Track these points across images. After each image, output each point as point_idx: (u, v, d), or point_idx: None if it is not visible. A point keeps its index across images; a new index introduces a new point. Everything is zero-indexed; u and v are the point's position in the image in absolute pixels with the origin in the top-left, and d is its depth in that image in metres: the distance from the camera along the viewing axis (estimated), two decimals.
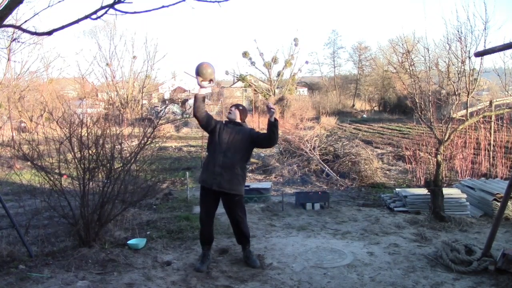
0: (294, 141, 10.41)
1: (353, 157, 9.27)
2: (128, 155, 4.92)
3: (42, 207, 4.83)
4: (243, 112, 4.34)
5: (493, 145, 9.27)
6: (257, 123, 21.82)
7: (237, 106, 4.36)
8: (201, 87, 4.04)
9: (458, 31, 5.95)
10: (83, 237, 4.44)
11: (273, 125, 3.93)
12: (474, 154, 9.48)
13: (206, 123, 4.11)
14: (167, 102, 33.83)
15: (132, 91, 26.98)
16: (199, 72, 4.01)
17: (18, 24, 3.48)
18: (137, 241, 4.62)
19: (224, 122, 4.25)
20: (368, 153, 9.76)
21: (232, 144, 4.04)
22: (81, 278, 3.74)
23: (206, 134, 4.30)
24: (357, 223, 5.76)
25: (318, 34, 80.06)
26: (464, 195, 6.34)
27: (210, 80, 4.04)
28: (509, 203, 5.52)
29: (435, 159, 6.14)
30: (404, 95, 27.53)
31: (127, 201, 4.86)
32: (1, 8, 2.80)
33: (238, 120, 4.25)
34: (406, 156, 9.95)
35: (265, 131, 4.10)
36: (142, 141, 4.83)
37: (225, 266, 4.13)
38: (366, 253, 4.50)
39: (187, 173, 8.17)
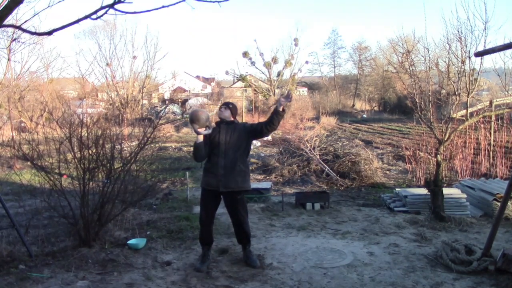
0: (294, 141, 10.42)
1: (353, 157, 9.26)
2: (128, 155, 4.93)
3: (42, 207, 4.82)
4: (234, 109, 4.33)
5: (493, 145, 9.27)
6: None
7: (227, 104, 4.33)
8: (199, 134, 4.04)
9: (458, 31, 5.94)
10: (83, 237, 4.44)
11: (278, 113, 3.91)
12: (474, 154, 9.48)
13: (208, 155, 4.16)
14: (167, 102, 33.85)
15: (132, 91, 26.93)
16: (194, 119, 4.00)
17: (18, 24, 3.48)
18: (137, 241, 4.62)
19: (216, 123, 4.26)
20: (368, 153, 9.77)
21: (231, 144, 4.06)
22: (81, 278, 3.75)
23: None
24: (357, 223, 5.76)
25: (318, 34, 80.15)
26: (464, 195, 6.34)
27: (206, 127, 4.06)
28: (509, 203, 5.51)
29: (435, 159, 6.14)
30: (404, 95, 27.53)
31: (127, 201, 4.87)
32: (1, 8, 2.79)
33: (230, 118, 4.24)
34: (406, 156, 9.95)
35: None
36: (142, 141, 4.83)
37: (225, 266, 4.13)
38: (366, 253, 4.50)
39: (187, 173, 8.18)
